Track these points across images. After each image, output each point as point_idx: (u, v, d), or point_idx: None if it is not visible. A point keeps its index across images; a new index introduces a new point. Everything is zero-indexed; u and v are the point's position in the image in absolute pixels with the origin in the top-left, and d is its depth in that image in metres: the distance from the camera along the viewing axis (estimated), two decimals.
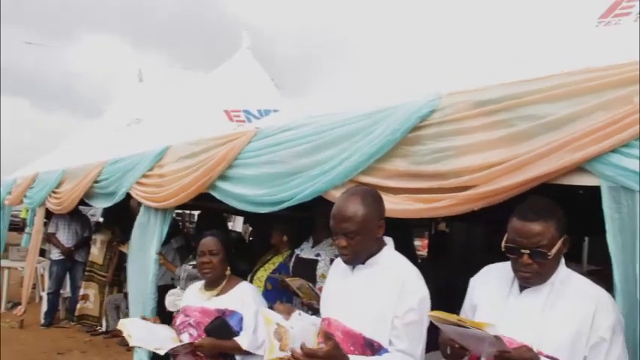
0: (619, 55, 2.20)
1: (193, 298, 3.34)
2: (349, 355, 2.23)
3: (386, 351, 2.29)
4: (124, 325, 3.23)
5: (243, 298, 3.22)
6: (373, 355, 2.30)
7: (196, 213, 10.21)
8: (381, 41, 4.45)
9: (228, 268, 3.32)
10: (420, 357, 2.31)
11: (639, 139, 2.00)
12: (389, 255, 2.45)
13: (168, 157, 4.77)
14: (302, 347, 2.16)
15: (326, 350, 2.13)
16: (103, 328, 7.91)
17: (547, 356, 1.96)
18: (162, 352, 3.08)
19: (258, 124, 4.28)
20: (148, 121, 7.08)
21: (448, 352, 2.12)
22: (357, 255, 2.38)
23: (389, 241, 2.50)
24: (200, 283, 3.43)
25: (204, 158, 4.18)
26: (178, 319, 3.32)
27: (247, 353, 3.08)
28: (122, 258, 7.51)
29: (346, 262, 2.44)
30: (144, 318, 3.56)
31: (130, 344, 3.18)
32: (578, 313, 2.00)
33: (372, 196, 2.42)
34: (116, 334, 7.56)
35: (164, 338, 3.19)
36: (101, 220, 9.06)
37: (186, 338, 3.18)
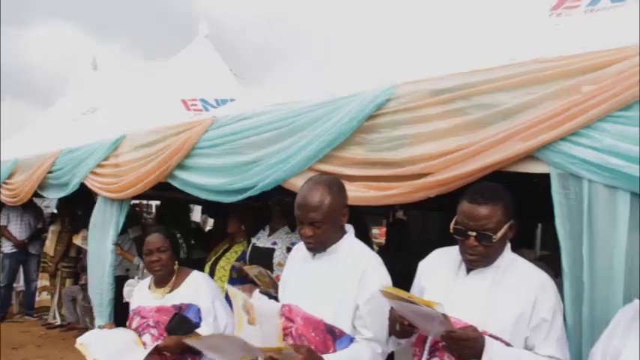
0: (569, 46, 2.26)
1: (145, 298, 3.24)
2: (324, 356, 2.26)
3: (348, 337, 2.32)
4: (85, 348, 3.06)
5: (198, 289, 3.17)
6: (334, 341, 2.32)
7: (154, 203, 10.08)
8: (339, 31, 4.45)
9: (176, 262, 3.24)
10: (385, 339, 2.35)
11: (586, 128, 2.08)
12: (350, 242, 2.46)
13: (123, 147, 4.70)
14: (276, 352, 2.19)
15: (303, 356, 2.16)
16: (57, 321, 7.76)
17: (491, 336, 2.02)
18: None
19: (215, 113, 4.25)
20: (104, 110, 6.93)
21: (397, 328, 2.15)
22: (322, 244, 2.39)
23: (349, 228, 2.50)
24: (147, 281, 3.36)
25: (160, 147, 4.15)
26: (135, 322, 3.22)
27: None
28: (78, 249, 7.39)
29: (311, 250, 2.44)
30: (100, 327, 3.47)
31: (89, 357, 3.03)
32: (521, 296, 2.07)
33: (337, 184, 2.42)
34: (73, 327, 7.44)
35: (128, 347, 3.07)
36: (55, 211, 8.85)
37: (148, 339, 3.11)
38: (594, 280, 2.07)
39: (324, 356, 2.26)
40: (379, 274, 2.36)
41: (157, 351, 3.03)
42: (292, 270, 2.61)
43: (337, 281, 2.35)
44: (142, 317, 3.18)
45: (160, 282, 3.22)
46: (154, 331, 3.11)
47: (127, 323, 3.29)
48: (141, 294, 3.31)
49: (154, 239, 3.17)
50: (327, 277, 2.38)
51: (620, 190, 2.02)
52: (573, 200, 2.13)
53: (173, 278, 3.20)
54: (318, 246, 2.39)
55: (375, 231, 10.41)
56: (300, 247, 2.55)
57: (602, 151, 2.04)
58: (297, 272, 2.56)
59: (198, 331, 3.01)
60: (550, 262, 2.37)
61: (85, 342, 3.12)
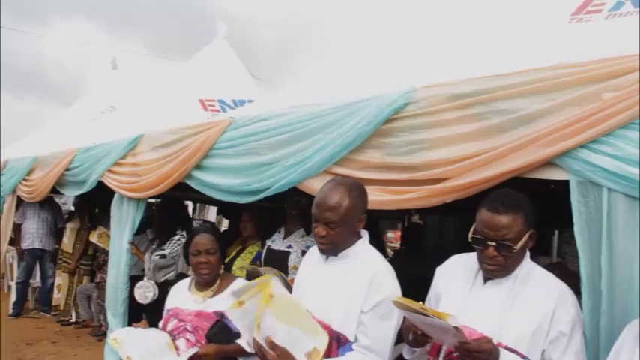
0: (590, 52, 2.24)
1: (184, 300, 3.07)
2: None
3: (350, 344, 2.30)
4: (119, 343, 2.96)
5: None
6: (338, 348, 2.31)
7: None
8: (359, 34, 4.44)
9: (223, 266, 3.12)
10: (384, 352, 2.29)
11: (606, 136, 2.05)
12: (363, 248, 2.43)
13: (142, 146, 4.73)
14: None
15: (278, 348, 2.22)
16: (73, 318, 7.82)
17: (506, 348, 1.99)
18: None
19: (233, 114, 4.26)
20: (122, 109, 7.00)
21: (410, 338, 2.13)
22: (335, 246, 2.36)
23: (364, 234, 2.48)
24: (187, 282, 3.20)
25: (179, 148, 4.16)
26: (171, 324, 3.06)
27: (251, 354, 2.79)
28: (95, 247, 7.43)
29: (322, 251, 2.42)
30: (133, 325, 3.35)
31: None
32: (539, 307, 2.03)
33: (358, 189, 2.40)
34: (87, 324, 7.48)
35: (162, 349, 2.95)
36: (73, 209, 8.92)
37: (182, 344, 2.97)
38: (613, 290, 2.04)
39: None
40: (388, 283, 2.32)
41: (194, 357, 2.90)
42: (305, 272, 2.60)
43: (346, 287, 2.32)
44: (180, 320, 3.03)
45: (203, 285, 3.06)
46: (190, 336, 2.96)
47: (161, 324, 3.15)
48: (179, 295, 3.14)
49: (204, 240, 3.02)
50: (338, 282, 2.36)
51: None
52: (592, 209, 2.10)
53: (217, 283, 3.05)
54: (330, 247, 2.37)
55: (390, 234, 10.38)
56: (315, 250, 2.54)
57: (622, 160, 2.01)
58: (309, 275, 2.55)
59: (239, 342, 2.85)
60: (559, 268, 2.34)
61: (119, 338, 3.02)
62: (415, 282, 2.49)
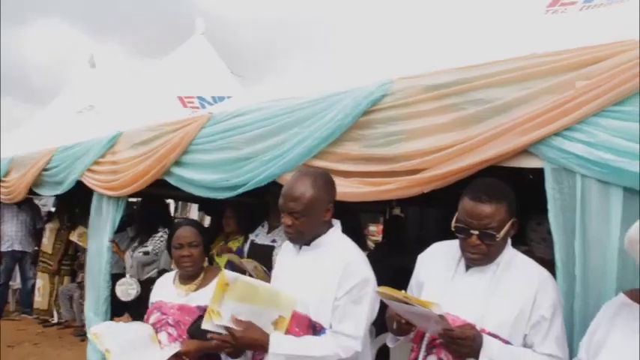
0: (564, 42, 2.27)
1: (168, 294, 3.05)
2: (271, 336, 2.29)
3: (324, 331, 2.32)
4: (99, 337, 2.90)
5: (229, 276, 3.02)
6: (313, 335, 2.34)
7: None
8: (337, 29, 4.46)
9: (206, 259, 3.10)
10: (357, 336, 2.31)
11: (580, 123, 2.08)
12: (335, 237, 2.46)
13: (120, 144, 4.70)
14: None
15: (241, 330, 2.26)
16: (55, 319, 7.75)
17: (489, 333, 2.01)
18: None
19: (212, 110, 4.25)
20: (101, 108, 6.93)
21: (395, 326, 2.15)
22: (301, 235, 2.40)
23: (336, 223, 2.51)
24: (171, 276, 3.17)
25: (158, 144, 4.15)
26: (153, 317, 3.03)
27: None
28: (75, 247, 7.38)
29: (290, 240, 2.48)
30: (115, 320, 3.31)
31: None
32: (521, 293, 2.05)
33: (323, 179, 2.43)
34: (69, 325, 7.44)
35: (143, 342, 2.92)
36: (53, 209, 8.84)
37: (164, 338, 2.94)
38: (587, 275, 2.08)
39: (271, 334, 2.28)
40: (361, 270, 2.35)
41: (175, 355, 2.87)
42: (281, 265, 2.63)
43: (320, 276, 2.35)
44: (162, 313, 3.00)
45: (187, 278, 3.04)
46: (172, 330, 2.94)
47: (145, 317, 3.11)
48: (163, 288, 3.12)
49: (186, 233, 2.99)
50: (311, 272, 2.39)
51: (613, 186, 2.02)
52: (567, 195, 2.13)
53: (201, 276, 3.03)
54: (297, 237, 2.41)
55: (372, 228, 10.39)
56: (289, 242, 2.57)
57: (596, 147, 2.04)
58: (284, 267, 2.58)
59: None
60: (529, 256, 2.38)
61: (98, 332, 2.96)
62: (397, 274, 2.51)
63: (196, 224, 3.14)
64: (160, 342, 2.93)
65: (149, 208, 5.28)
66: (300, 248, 2.47)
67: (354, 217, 4.10)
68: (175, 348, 2.86)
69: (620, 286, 1.99)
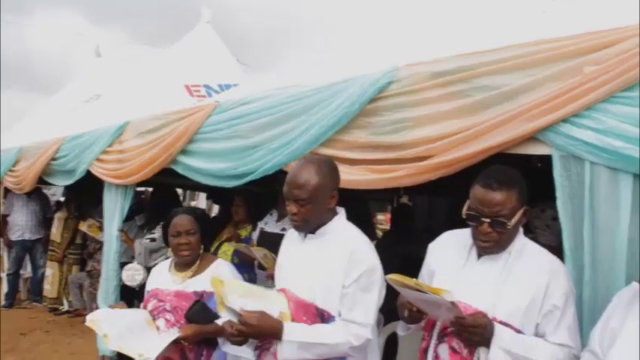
0: (572, 28, 2.24)
1: (164, 281, 3.09)
2: (284, 323, 2.29)
3: (333, 319, 2.33)
4: (95, 324, 2.91)
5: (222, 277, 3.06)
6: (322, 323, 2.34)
7: None
8: (342, 15, 4.44)
9: (202, 247, 3.12)
10: (367, 324, 2.32)
11: (588, 110, 2.06)
12: (340, 225, 2.46)
13: (128, 133, 4.70)
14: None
15: (255, 317, 2.26)
16: (65, 307, 7.82)
17: (501, 322, 2.01)
18: (151, 356, 2.77)
19: (218, 98, 4.24)
20: (107, 97, 6.94)
21: (406, 314, 2.15)
22: (307, 223, 2.40)
23: (341, 211, 2.51)
24: (167, 263, 3.21)
25: (164, 133, 4.15)
26: (150, 304, 3.07)
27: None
28: (84, 236, 7.42)
29: (296, 228, 2.48)
30: (111, 307, 3.35)
31: (109, 346, 2.88)
32: (533, 282, 2.04)
33: (328, 166, 2.42)
34: (80, 313, 7.49)
35: (140, 326, 2.96)
36: (62, 199, 8.89)
37: (162, 324, 2.99)
38: (595, 263, 2.06)
39: (285, 323, 2.29)
40: (367, 257, 2.36)
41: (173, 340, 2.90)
42: (285, 253, 2.63)
43: (326, 264, 2.36)
44: (159, 300, 3.05)
45: (183, 266, 3.08)
46: (169, 316, 2.98)
47: (142, 305, 3.16)
48: (160, 276, 3.16)
49: (183, 221, 3.02)
50: (317, 259, 2.39)
51: (622, 173, 2.00)
52: (575, 182, 2.11)
53: (197, 263, 3.07)
54: (302, 224, 2.41)
55: (380, 217, 10.39)
56: (293, 231, 2.57)
57: (604, 133, 2.01)
58: (289, 256, 2.57)
59: (218, 322, 2.80)
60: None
61: (95, 318, 2.97)
62: (405, 262, 2.50)
63: (193, 212, 3.15)
64: (158, 328, 2.97)
65: (160, 197, 5.31)
66: (305, 236, 2.48)
67: (362, 205, 4.10)
68: (174, 334, 2.88)
69: (630, 273, 1.98)
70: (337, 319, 2.32)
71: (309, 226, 2.42)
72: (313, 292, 2.36)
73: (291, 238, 2.61)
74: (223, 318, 2.50)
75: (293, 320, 2.35)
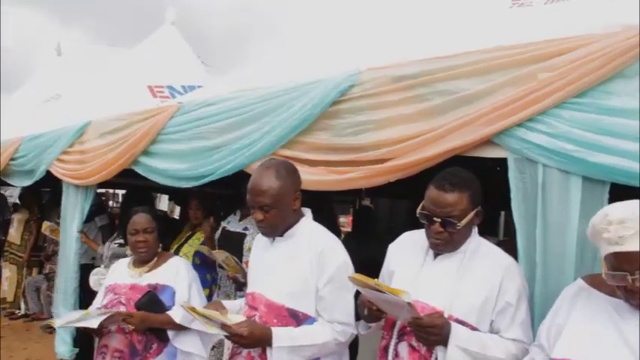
0: (529, 35, 2.31)
1: (122, 276, 3.18)
2: (272, 328, 2.30)
3: (312, 320, 2.36)
4: (53, 323, 3.18)
5: (177, 272, 3.10)
6: (297, 325, 2.35)
7: (121, 192, 9.98)
8: (308, 19, 4.46)
9: (160, 245, 3.20)
10: (349, 321, 2.38)
11: (542, 114, 2.13)
12: (307, 226, 2.48)
13: (89, 133, 4.65)
14: (225, 326, 2.24)
15: (246, 328, 2.23)
16: (22, 311, 7.64)
17: (457, 320, 2.07)
18: (91, 325, 2.88)
19: (182, 99, 4.23)
20: (68, 96, 6.83)
21: (366, 313, 2.19)
22: (275, 227, 2.41)
23: (307, 212, 2.53)
24: (127, 260, 3.29)
25: (126, 134, 4.12)
26: (107, 298, 3.15)
27: (180, 328, 2.95)
28: (44, 238, 7.28)
29: (264, 234, 2.49)
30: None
31: (55, 325, 3.14)
32: (487, 280, 2.11)
33: (287, 168, 2.44)
34: (37, 317, 7.34)
35: (91, 314, 3.02)
36: (18, 201, 8.68)
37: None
38: (547, 261, 2.14)
39: (273, 329, 2.29)
40: (337, 254, 2.39)
41: (120, 328, 3.01)
42: (254, 258, 2.64)
43: (296, 265, 2.37)
44: (115, 294, 3.11)
45: (141, 263, 3.16)
46: (123, 308, 3.02)
47: (101, 300, 3.21)
48: (118, 271, 3.24)
49: (142, 219, 3.10)
50: (287, 261, 2.41)
51: (573, 175, 2.08)
52: (529, 184, 2.19)
53: (154, 260, 3.15)
54: (270, 230, 2.42)
55: (342, 219, 10.42)
56: (261, 236, 2.59)
57: (557, 137, 2.09)
58: (258, 260, 2.58)
59: (169, 313, 2.95)
60: (508, 246, 2.43)
61: (51, 322, 3.25)
62: (366, 263, 2.53)
63: (151, 211, 3.22)
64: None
65: (135, 201, 5.27)
66: (274, 240, 2.49)
67: (327, 206, 4.13)
68: (109, 312, 2.96)
69: (579, 271, 2.05)
70: (320, 320, 2.35)
71: (276, 230, 2.43)
72: (283, 294, 2.37)
73: (261, 242, 2.62)
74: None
75: (266, 323, 2.36)
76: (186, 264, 3.26)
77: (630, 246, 1.61)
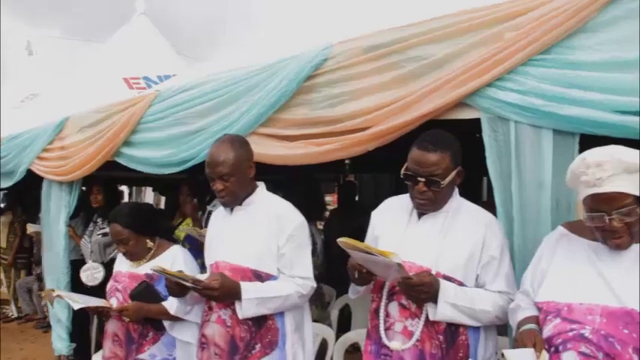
0: None
1: (124, 264, 3.21)
2: (241, 282, 2.45)
3: (275, 278, 2.52)
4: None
5: (174, 261, 3.05)
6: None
7: None
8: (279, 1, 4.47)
9: (150, 239, 3.14)
10: (309, 276, 2.56)
11: (510, 73, 2.19)
12: (263, 194, 2.67)
13: (68, 129, 4.63)
14: (196, 282, 2.38)
15: (217, 281, 2.38)
16: (14, 314, 7.64)
17: (444, 276, 2.14)
18: (74, 307, 3.00)
19: (158, 88, 4.23)
20: (45, 95, 6.78)
21: (356, 276, 2.24)
22: (235, 196, 2.57)
23: (261, 184, 2.71)
24: None
25: (106, 126, 4.12)
26: (108, 285, 3.23)
27: (176, 319, 2.94)
28: (30, 240, 7.25)
29: (225, 204, 2.63)
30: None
31: (54, 294, 3.23)
32: (471, 237, 2.18)
33: (239, 141, 2.63)
34: (30, 318, 7.34)
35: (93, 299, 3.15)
36: (2, 205, 8.62)
37: (114, 302, 3.09)
38: (524, 215, 2.21)
39: (241, 283, 2.44)
40: (294, 215, 2.58)
41: (118, 316, 3.04)
42: (213, 230, 2.76)
43: (256, 229, 2.53)
44: (115, 281, 3.20)
45: (136, 259, 3.15)
46: (119, 295, 3.09)
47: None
48: (122, 260, 3.25)
49: (114, 231, 3.09)
50: (247, 227, 2.56)
51: (544, 129, 2.14)
52: (502, 142, 2.25)
53: (150, 253, 3.14)
54: (231, 199, 2.58)
55: (327, 198, 10.47)
56: (219, 210, 2.75)
57: (526, 94, 2.15)
58: (218, 230, 2.71)
59: (163, 303, 2.94)
60: (487, 207, 2.49)
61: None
62: (353, 235, 2.58)
63: (121, 217, 3.10)
64: (110, 306, 3.08)
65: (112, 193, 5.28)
66: (232, 210, 2.64)
67: (312, 183, 4.17)
68: (105, 303, 3.06)
69: (555, 223, 2.12)
70: (281, 276, 2.51)
71: (237, 199, 2.59)
72: (247, 257, 2.53)
73: (218, 216, 2.77)
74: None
75: None
76: (185, 254, 3.21)
77: (607, 187, 1.69)
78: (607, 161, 1.69)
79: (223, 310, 2.54)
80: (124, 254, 3.13)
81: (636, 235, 1.76)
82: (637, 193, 1.69)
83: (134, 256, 3.13)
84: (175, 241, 3.58)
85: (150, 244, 3.14)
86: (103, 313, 3.09)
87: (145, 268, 3.06)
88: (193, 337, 2.95)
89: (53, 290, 3.39)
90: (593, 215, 1.74)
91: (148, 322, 3.02)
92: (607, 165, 1.69)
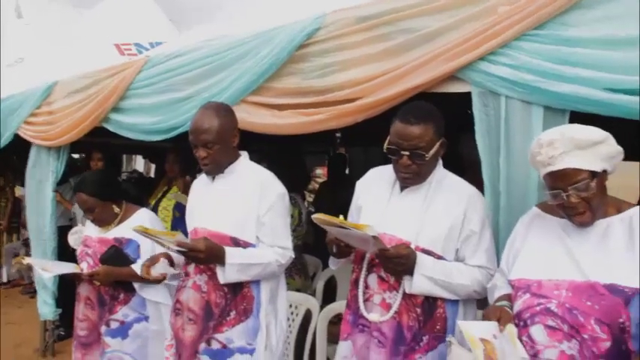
0: None
1: (93, 229, 3.27)
2: (225, 247, 2.44)
3: (253, 246, 2.51)
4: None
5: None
6: None
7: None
8: None
9: (115, 204, 3.21)
10: (288, 245, 2.58)
11: (503, 47, 2.18)
12: (245, 163, 2.65)
13: (56, 93, 4.57)
14: (181, 243, 2.36)
15: (203, 243, 2.37)
16: (4, 279, 7.64)
17: (424, 250, 2.15)
18: (44, 275, 3.18)
19: (149, 54, 4.18)
20: (33, 60, 6.67)
21: (335, 250, 2.26)
22: (218, 164, 2.55)
23: (244, 153, 2.67)
24: None
25: (95, 91, 4.08)
26: (78, 250, 3.32)
27: (145, 280, 2.98)
28: (18, 204, 7.22)
29: (208, 172, 2.61)
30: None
31: (24, 262, 3.33)
32: (452, 210, 2.18)
33: (224, 108, 2.60)
34: (17, 284, 7.35)
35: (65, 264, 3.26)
36: None
37: (84, 267, 3.17)
38: (510, 190, 2.22)
39: (226, 247, 2.44)
40: (276, 185, 2.57)
41: (89, 280, 3.14)
42: (194, 197, 2.77)
43: (238, 197, 2.53)
44: (85, 245, 3.26)
45: (105, 225, 3.23)
46: (90, 260, 3.18)
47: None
48: (91, 225, 3.31)
49: (80, 200, 3.17)
50: (228, 195, 2.56)
51: (535, 105, 2.14)
52: (492, 116, 2.25)
53: (118, 218, 3.21)
54: (213, 167, 2.56)
55: (318, 171, 10.48)
56: (201, 177, 2.75)
57: (518, 69, 2.14)
58: (199, 197, 2.72)
59: (132, 266, 3.02)
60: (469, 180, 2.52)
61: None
62: (344, 207, 2.59)
63: (85, 186, 3.16)
64: (82, 270, 3.18)
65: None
66: (214, 178, 2.63)
67: (295, 157, 4.16)
68: (76, 268, 3.18)
69: (541, 198, 2.13)
70: (260, 245, 2.52)
71: (220, 167, 2.58)
72: (227, 224, 2.53)
73: (200, 184, 2.77)
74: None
75: None
76: (151, 217, 3.33)
77: (560, 164, 1.73)
78: (557, 139, 1.73)
79: (199, 276, 2.55)
80: (92, 221, 3.20)
81: (599, 210, 1.80)
82: (590, 168, 1.72)
83: (102, 222, 3.20)
84: (143, 205, 3.63)
85: (116, 209, 3.21)
86: (75, 278, 3.18)
87: (114, 233, 3.18)
88: (162, 297, 3.09)
89: (23, 258, 3.42)
90: (552, 193, 1.79)
91: (119, 284, 3.11)
92: (558, 143, 1.73)
